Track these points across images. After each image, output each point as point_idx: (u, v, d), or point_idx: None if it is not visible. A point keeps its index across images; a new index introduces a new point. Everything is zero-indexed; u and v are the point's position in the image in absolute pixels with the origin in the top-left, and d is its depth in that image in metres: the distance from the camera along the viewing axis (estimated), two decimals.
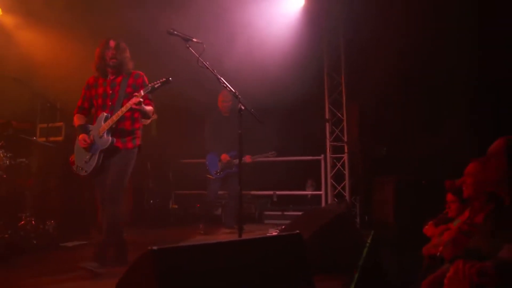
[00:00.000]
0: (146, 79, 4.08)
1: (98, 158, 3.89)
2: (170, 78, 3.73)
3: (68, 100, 6.06)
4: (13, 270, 3.98)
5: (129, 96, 3.86)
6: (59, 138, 6.39)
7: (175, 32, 3.76)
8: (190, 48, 3.77)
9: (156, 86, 3.74)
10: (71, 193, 6.00)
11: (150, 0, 5.94)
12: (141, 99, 3.74)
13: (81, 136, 3.93)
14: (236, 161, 6.22)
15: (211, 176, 6.21)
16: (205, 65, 3.76)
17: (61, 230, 5.38)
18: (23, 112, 6.09)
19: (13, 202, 5.13)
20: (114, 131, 3.91)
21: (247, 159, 6.19)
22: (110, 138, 3.86)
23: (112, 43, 4.00)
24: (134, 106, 3.73)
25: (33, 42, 6.69)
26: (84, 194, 6.16)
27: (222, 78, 3.80)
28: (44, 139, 5.91)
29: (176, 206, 7.77)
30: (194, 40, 3.79)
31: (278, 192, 7.49)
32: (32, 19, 6.59)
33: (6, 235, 4.70)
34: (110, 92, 3.99)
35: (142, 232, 6.32)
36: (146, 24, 5.82)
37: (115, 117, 3.84)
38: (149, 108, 3.97)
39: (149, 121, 6.24)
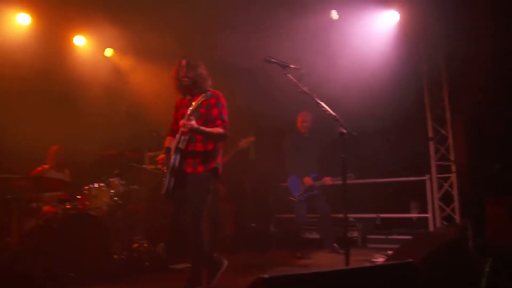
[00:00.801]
0: (221, 99, 3.91)
1: (168, 180, 3.80)
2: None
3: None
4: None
5: (202, 117, 3.80)
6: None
7: (273, 60, 3.84)
8: (288, 75, 3.82)
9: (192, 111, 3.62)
10: (178, 216, 6.30)
11: (246, 30, 6.14)
12: (192, 123, 3.58)
13: (160, 157, 3.98)
14: (318, 183, 6.14)
15: (293, 199, 6.21)
16: (304, 91, 3.79)
17: (170, 252, 5.66)
18: (134, 143, 6.56)
19: (127, 225, 5.53)
20: (184, 153, 3.78)
21: (327, 181, 6.09)
22: (174, 159, 3.74)
23: (183, 62, 3.94)
24: (182, 129, 3.63)
25: (143, 79, 7.26)
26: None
27: (321, 102, 3.79)
28: (152, 166, 6.32)
29: (276, 230, 7.81)
30: (292, 66, 3.84)
31: (381, 215, 7.21)
32: (142, 58, 7.19)
33: (123, 256, 5.06)
34: (188, 113, 3.82)
35: (244, 255, 6.43)
36: (244, 52, 6.03)
37: (179, 139, 3.76)
38: (214, 130, 3.77)
39: (246, 144, 6.46)
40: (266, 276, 1.82)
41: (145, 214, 5.95)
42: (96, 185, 5.36)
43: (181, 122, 3.63)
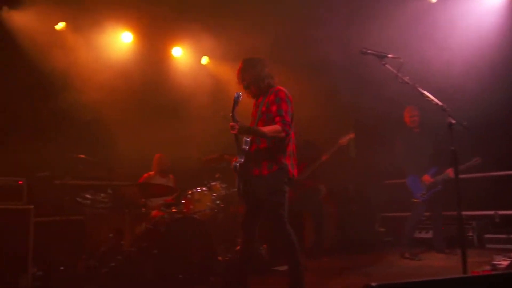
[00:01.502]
0: (280, 94, 3.67)
1: (238, 182, 3.73)
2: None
3: None
4: None
5: (263, 116, 3.68)
6: None
7: (369, 51, 3.63)
8: (386, 66, 3.58)
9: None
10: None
11: (341, 23, 5.94)
12: (236, 124, 3.45)
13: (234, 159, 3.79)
14: (440, 177, 5.71)
15: (417, 200, 5.80)
16: (405, 81, 3.53)
17: (272, 254, 5.64)
18: (233, 146, 6.66)
19: (229, 228, 5.61)
20: (250, 155, 3.65)
21: (450, 173, 5.61)
22: (239, 161, 3.61)
23: (240, 65, 3.85)
24: (232, 131, 3.50)
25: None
26: (289, 218, 6.38)
27: (425, 92, 3.50)
28: None
29: (383, 229, 7.44)
30: (390, 56, 3.60)
31: (500, 212, 6.53)
32: (237, 63, 7.30)
33: (227, 258, 5.14)
34: (255, 113, 3.79)
35: (348, 257, 6.22)
36: (341, 46, 5.84)
37: (243, 141, 3.64)
38: (268, 128, 3.56)
39: (346, 141, 6.24)
40: (373, 284, 1.66)
41: None
42: (199, 189, 5.51)
43: (230, 124, 3.52)
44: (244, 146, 3.65)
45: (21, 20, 5.88)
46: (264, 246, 5.67)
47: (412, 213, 5.91)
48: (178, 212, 5.33)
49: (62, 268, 4.81)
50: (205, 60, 7.70)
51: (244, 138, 3.65)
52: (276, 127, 3.54)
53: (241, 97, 3.63)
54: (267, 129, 3.56)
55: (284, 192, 3.65)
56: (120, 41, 6.81)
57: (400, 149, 6.04)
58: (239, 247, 5.43)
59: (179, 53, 7.47)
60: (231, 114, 3.54)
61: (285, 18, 6.11)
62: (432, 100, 3.49)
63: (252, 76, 3.77)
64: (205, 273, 4.75)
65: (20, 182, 4.57)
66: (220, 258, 5.09)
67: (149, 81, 6.81)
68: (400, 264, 5.47)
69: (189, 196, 5.49)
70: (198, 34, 6.82)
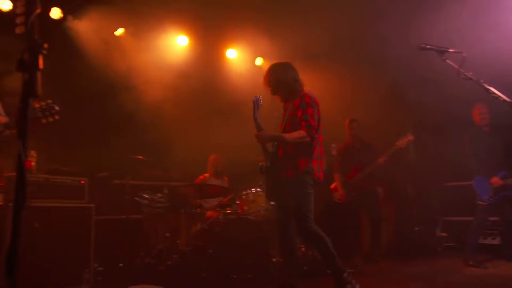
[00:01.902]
0: (306, 99, 3.68)
1: (266, 184, 3.88)
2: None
3: (323, 132, 6.36)
4: None
5: (290, 120, 3.74)
6: None
7: (428, 46, 3.45)
8: (447, 61, 3.39)
9: None
10: (335, 220, 6.16)
11: (400, 17, 5.71)
12: (260, 134, 3.63)
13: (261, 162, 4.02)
14: (510, 180, 5.33)
15: (482, 202, 5.44)
16: (468, 76, 3.32)
17: None
18: None
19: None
20: (277, 159, 3.76)
21: None
22: (266, 164, 3.80)
23: (266, 70, 3.93)
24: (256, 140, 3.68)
25: None
26: (348, 221, 6.26)
27: (490, 88, 3.27)
28: None
29: (445, 234, 7.09)
30: (451, 50, 3.40)
31: None
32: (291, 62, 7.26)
33: (282, 260, 5.08)
34: (283, 117, 3.89)
35: (408, 262, 5.98)
36: (400, 42, 5.63)
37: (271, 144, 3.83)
38: (293, 134, 3.61)
39: (404, 144, 6.01)
40: None
41: None
42: (253, 190, 5.52)
43: (254, 134, 3.67)
44: (272, 150, 3.79)
45: (84, 28, 6.16)
46: None
47: (476, 217, 5.55)
48: (233, 212, 5.36)
49: (121, 264, 4.97)
50: (259, 61, 7.72)
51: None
52: (301, 132, 3.59)
53: (261, 101, 3.80)
54: (291, 136, 3.64)
55: (309, 193, 3.67)
56: (176, 44, 6.97)
57: (469, 149, 5.69)
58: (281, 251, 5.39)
59: (234, 55, 7.53)
60: (254, 118, 3.71)
61: (342, 13, 5.96)
62: (499, 97, 3.26)
63: (278, 81, 3.85)
64: (259, 274, 4.73)
65: (82, 182, 4.77)
66: (274, 259, 5.05)
67: (204, 83, 6.92)
68: (464, 272, 5.15)
69: (244, 197, 5.50)
70: (252, 36, 6.84)
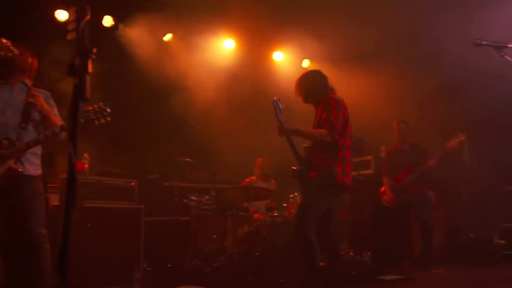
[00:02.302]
0: (331, 102, 3.75)
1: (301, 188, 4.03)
2: None
3: (373, 134, 6.22)
4: None
5: (318, 124, 3.81)
6: (370, 171, 6.57)
7: (484, 42, 3.29)
8: (506, 57, 3.22)
9: None
10: (384, 225, 6.00)
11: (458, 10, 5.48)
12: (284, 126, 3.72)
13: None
14: None
15: None
16: None
17: (377, 262, 5.39)
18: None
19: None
20: (308, 162, 3.86)
21: None
22: (295, 169, 3.88)
23: (297, 80, 4.06)
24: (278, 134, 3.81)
25: (339, 85, 7.21)
26: (397, 226, 6.07)
27: None
28: (355, 173, 6.17)
29: (503, 242, 6.72)
30: (510, 45, 3.23)
31: None
32: (337, 64, 7.16)
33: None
34: (313, 122, 4.00)
35: (461, 269, 5.73)
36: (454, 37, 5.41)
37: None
38: (314, 130, 3.81)
39: (455, 144, 5.77)
40: None
41: (349, 221, 5.82)
42: None
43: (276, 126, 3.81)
44: (304, 154, 3.90)
45: (134, 34, 6.34)
46: (368, 253, 5.45)
47: None
48: (280, 215, 5.33)
49: (169, 265, 5.06)
50: (306, 63, 7.66)
51: (304, 145, 3.92)
52: (323, 130, 3.68)
53: (281, 104, 3.91)
54: (311, 131, 3.81)
55: (322, 196, 3.73)
56: (223, 48, 7.04)
57: None
58: (342, 253, 5.30)
59: (280, 58, 7.52)
60: (276, 120, 3.81)
61: (393, 10, 5.80)
62: None
63: (307, 90, 3.97)
64: (305, 278, 4.66)
65: (133, 184, 4.90)
66: (321, 263, 4.97)
67: (251, 86, 6.94)
68: None
69: (291, 200, 5.46)
70: (299, 38, 6.80)
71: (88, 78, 1.29)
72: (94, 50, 1.34)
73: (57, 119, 3.37)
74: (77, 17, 1.34)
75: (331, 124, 3.66)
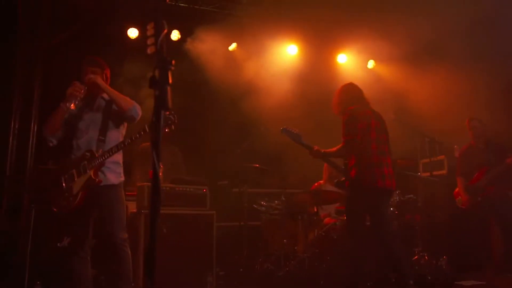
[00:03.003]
0: (344, 116, 4.19)
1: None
2: None
3: (447, 133, 5.98)
4: None
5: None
6: (443, 172, 6.33)
7: None
8: None
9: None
10: (461, 227, 5.75)
11: None
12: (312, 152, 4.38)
13: None
14: None
15: None
16: None
17: (454, 266, 5.17)
18: (405, 150, 6.35)
19: (405, 236, 5.32)
20: (344, 171, 4.32)
21: None
22: (338, 181, 4.39)
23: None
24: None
25: (408, 84, 7.03)
26: (476, 229, 5.78)
27: None
28: (428, 174, 5.96)
29: None
30: None
31: None
32: (404, 62, 6.98)
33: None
34: None
35: None
36: None
37: None
38: (334, 149, 4.30)
39: None
40: None
41: (424, 224, 5.62)
42: None
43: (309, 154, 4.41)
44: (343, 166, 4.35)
45: (202, 47, 6.56)
46: (444, 257, 5.23)
47: None
48: None
49: (241, 269, 5.15)
50: (371, 64, 7.53)
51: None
52: (339, 147, 4.20)
53: (292, 129, 4.44)
54: (333, 150, 4.29)
55: (356, 201, 4.09)
56: (287, 54, 7.10)
57: None
58: (416, 257, 5.14)
59: (344, 60, 7.45)
60: (299, 144, 4.43)
61: (456, 4, 5.57)
62: None
63: (337, 105, 4.43)
64: (379, 282, 4.58)
65: (204, 190, 5.06)
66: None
67: (317, 90, 6.91)
68: None
69: None
70: (362, 39, 6.72)
71: (169, 89, 1.39)
72: (173, 62, 1.43)
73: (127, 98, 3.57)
74: (155, 32, 1.44)
75: (345, 137, 4.12)
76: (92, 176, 3.34)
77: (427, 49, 6.28)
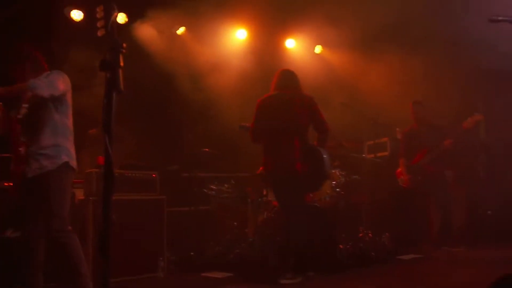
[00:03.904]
0: None
1: None
2: None
3: (388, 115, 6.22)
4: (358, 279, 4.24)
5: None
6: (385, 153, 6.59)
7: (500, 18, 3.26)
8: None
9: None
10: (402, 206, 6.06)
11: None
12: None
13: None
14: None
15: None
16: None
17: (395, 242, 5.45)
18: (351, 133, 6.56)
19: (351, 216, 5.54)
20: None
21: None
22: None
23: None
24: None
25: (354, 69, 7.24)
26: (415, 207, 6.12)
27: None
28: (372, 155, 6.20)
29: None
30: None
31: None
32: (351, 49, 7.16)
33: (348, 246, 5.08)
34: None
35: (483, 247, 5.74)
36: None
37: None
38: None
39: (472, 124, 5.74)
40: None
41: (368, 205, 5.86)
42: None
43: None
44: None
45: (147, 31, 6.42)
46: (386, 234, 5.50)
47: None
48: None
49: (192, 253, 5.18)
50: (318, 49, 7.68)
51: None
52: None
53: (247, 126, 4.72)
54: None
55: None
56: (235, 38, 7.09)
57: None
58: (361, 235, 5.37)
59: (292, 45, 7.54)
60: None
61: None
62: None
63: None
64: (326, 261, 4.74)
65: (154, 175, 5.01)
66: (341, 246, 5.05)
67: (265, 75, 6.97)
68: None
69: None
70: (309, 24, 6.81)
71: (120, 71, 1.39)
72: (124, 45, 1.43)
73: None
74: (105, 15, 1.43)
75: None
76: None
77: (376, 35, 6.45)
